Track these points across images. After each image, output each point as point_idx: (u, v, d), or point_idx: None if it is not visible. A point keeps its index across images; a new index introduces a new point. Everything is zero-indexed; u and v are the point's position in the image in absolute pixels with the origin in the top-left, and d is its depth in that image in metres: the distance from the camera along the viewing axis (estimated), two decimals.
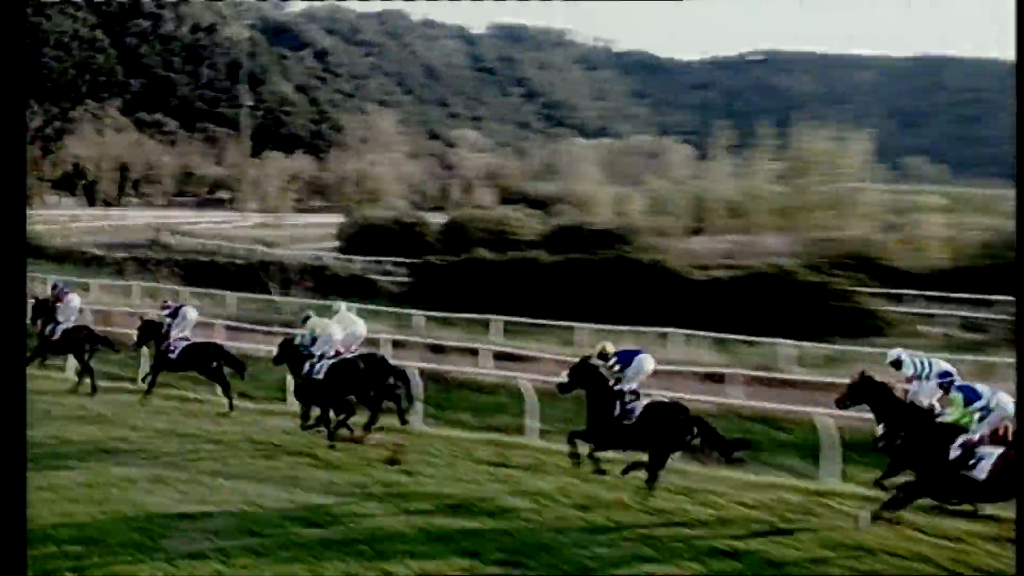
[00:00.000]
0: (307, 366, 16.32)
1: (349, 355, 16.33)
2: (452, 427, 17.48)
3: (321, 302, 25.43)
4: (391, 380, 16.03)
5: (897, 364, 12.51)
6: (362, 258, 46.36)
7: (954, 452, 11.19)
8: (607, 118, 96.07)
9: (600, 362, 13.70)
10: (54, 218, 60.77)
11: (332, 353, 16.29)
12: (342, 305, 17.44)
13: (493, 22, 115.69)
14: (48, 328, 19.75)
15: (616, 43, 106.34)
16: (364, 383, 15.88)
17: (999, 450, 11.06)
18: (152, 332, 19.09)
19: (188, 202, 77.80)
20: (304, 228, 61.05)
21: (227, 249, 49.33)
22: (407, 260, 43.24)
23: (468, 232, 47.49)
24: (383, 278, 42.28)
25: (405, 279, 41.22)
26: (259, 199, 73.37)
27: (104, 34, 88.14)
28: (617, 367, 13.63)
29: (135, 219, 63.82)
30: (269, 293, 36.63)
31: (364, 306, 25.92)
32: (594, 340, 20.42)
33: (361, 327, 16.92)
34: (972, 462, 11.14)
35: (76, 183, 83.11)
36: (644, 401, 13.44)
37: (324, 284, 39.12)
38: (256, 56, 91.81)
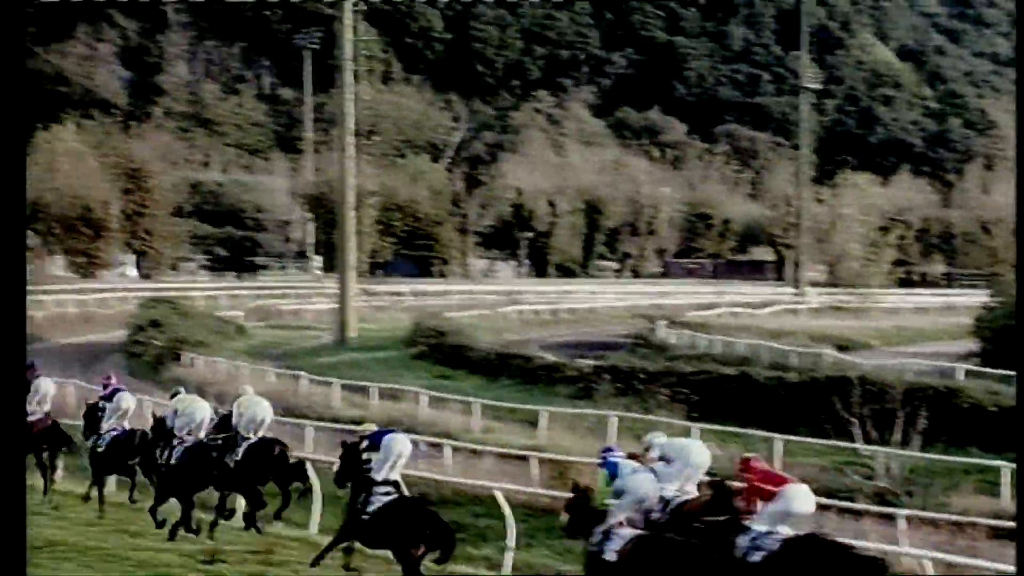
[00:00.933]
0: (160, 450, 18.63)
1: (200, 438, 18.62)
2: None
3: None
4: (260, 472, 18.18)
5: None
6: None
7: (596, 536, 13.66)
8: None
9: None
10: (479, 299, 58.63)
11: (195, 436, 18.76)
12: (248, 388, 19.94)
13: None
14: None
15: None
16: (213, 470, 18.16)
17: (632, 533, 13.35)
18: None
19: (699, 268, 66.66)
20: (906, 315, 55.57)
21: (769, 354, 44.97)
22: None
23: None
24: None
25: None
26: (828, 260, 62.54)
27: None
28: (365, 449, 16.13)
29: (608, 299, 60.46)
30: (849, 437, 30.75)
31: None
32: None
33: (264, 410, 18.99)
34: (606, 543, 13.46)
35: (516, 238, 61.48)
36: (392, 496, 15.61)
37: (957, 424, 32.26)
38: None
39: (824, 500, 22.92)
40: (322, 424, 31.54)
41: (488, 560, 19.32)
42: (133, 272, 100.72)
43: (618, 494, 13.57)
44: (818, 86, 63.79)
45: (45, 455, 21.81)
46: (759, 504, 12.96)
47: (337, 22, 61.10)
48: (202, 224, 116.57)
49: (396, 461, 16.03)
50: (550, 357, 46.35)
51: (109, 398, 21.12)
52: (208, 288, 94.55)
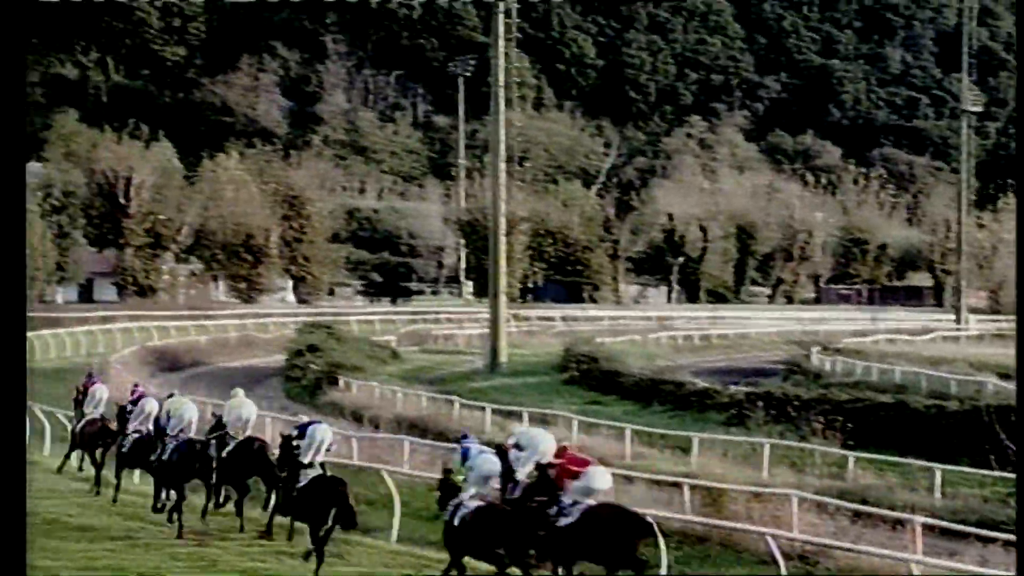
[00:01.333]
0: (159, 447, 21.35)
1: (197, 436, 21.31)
2: None
3: None
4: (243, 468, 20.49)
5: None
6: None
7: (451, 507, 16.74)
8: None
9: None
10: (630, 324, 59.32)
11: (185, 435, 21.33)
12: (239, 391, 22.48)
13: None
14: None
15: None
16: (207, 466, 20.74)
17: (476, 504, 16.59)
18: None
19: (854, 294, 65.32)
20: None
21: (928, 383, 43.54)
22: None
23: None
24: None
25: None
26: (990, 287, 62.90)
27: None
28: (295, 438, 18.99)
29: (761, 325, 59.62)
30: (1014, 467, 29.38)
31: None
32: None
33: (248, 410, 21.59)
34: (456, 512, 16.65)
35: (667, 263, 66.69)
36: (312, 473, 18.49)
37: None
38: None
39: (987, 533, 22.21)
40: None
41: None
42: (291, 297, 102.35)
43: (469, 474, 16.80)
44: (979, 108, 61.41)
45: (98, 452, 24.60)
46: (568, 482, 16.29)
47: (491, 50, 61.36)
48: (358, 250, 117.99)
49: (319, 447, 18.70)
50: (702, 383, 45.46)
51: (135, 403, 23.37)
52: (363, 313, 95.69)
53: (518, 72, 65.02)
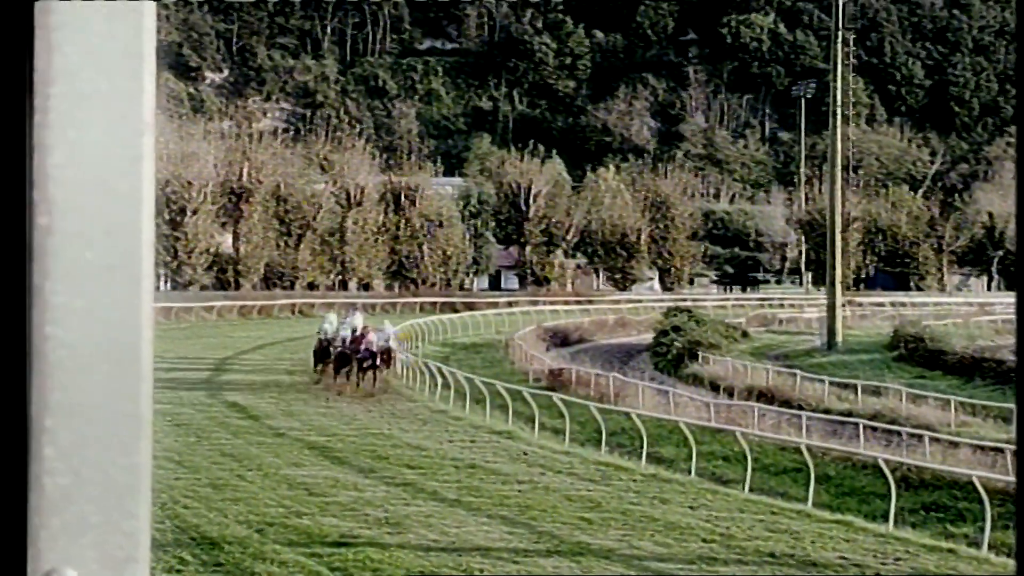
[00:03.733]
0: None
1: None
2: None
3: None
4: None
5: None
6: None
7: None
8: None
9: None
10: (954, 309, 55.63)
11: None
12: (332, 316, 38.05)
13: None
14: None
15: None
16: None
17: (336, 351, 34.26)
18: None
19: None
20: None
21: None
22: None
23: None
24: None
25: None
26: None
27: None
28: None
29: None
30: None
31: None
32: None
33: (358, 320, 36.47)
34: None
35: (988, 256, 60.74)
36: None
37: None
38: None
39: None
40: (815, 415, 30.56)
41: (966, 537, 17.99)
42: (657, 286, 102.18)
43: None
44: None
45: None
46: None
47: (829, 74, 59.22)
48: (713, 246, 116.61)
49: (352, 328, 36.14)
50: None
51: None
52: (718, 299, 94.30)
53: (853, 93, 62.38)
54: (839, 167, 56.84)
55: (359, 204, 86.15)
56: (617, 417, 28.50)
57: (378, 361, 33.67)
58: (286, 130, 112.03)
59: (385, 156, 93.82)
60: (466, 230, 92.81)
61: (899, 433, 26.10)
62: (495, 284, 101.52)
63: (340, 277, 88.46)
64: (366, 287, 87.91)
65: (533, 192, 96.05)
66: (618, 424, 28.43)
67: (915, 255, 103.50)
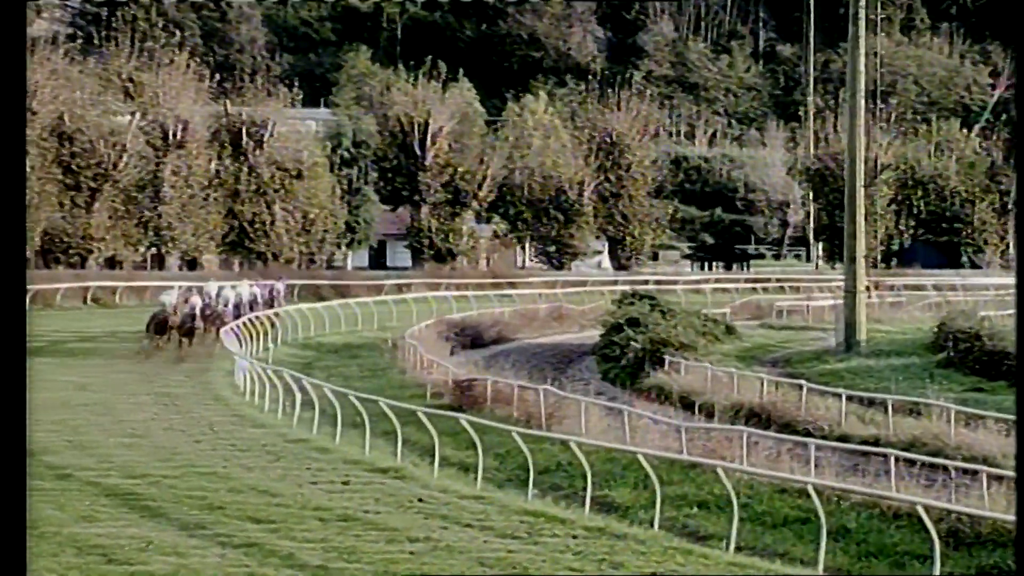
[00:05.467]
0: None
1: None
2: None
3: None
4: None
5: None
6: None
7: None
8: None
9: None
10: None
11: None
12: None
13: None
14: None
15: None
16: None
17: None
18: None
19: None
20: None
21: None
22: None
23: None
24: None
25: None
26: None
27: None
28: None
29: None
30: None
31: None
32: None
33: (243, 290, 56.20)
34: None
35: None
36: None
37: None
38: None
39: None
40: (827, 443, 30.89)
41: None
42: (607, 263, 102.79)
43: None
44: None
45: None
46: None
47: None
48: (686, 206, 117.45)
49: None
50: None
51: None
52: (692, 281, 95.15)
53: None
54: (862, 94, 57.61)
55: (181, 146, 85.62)
56: (550, 448, 28.53)
57: (197, 322, 48.05)
58: (72, 37, 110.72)
59: (219, 77, 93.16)
60: (336, 183, 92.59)
61: (946, 468, 26.47)
62: (378, 260, 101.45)
63: (154, 250, 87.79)
64: (192, 264, 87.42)
65: (431, 130, 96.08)
66: (552, 458, 28.48)
67: (969, 218, 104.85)
